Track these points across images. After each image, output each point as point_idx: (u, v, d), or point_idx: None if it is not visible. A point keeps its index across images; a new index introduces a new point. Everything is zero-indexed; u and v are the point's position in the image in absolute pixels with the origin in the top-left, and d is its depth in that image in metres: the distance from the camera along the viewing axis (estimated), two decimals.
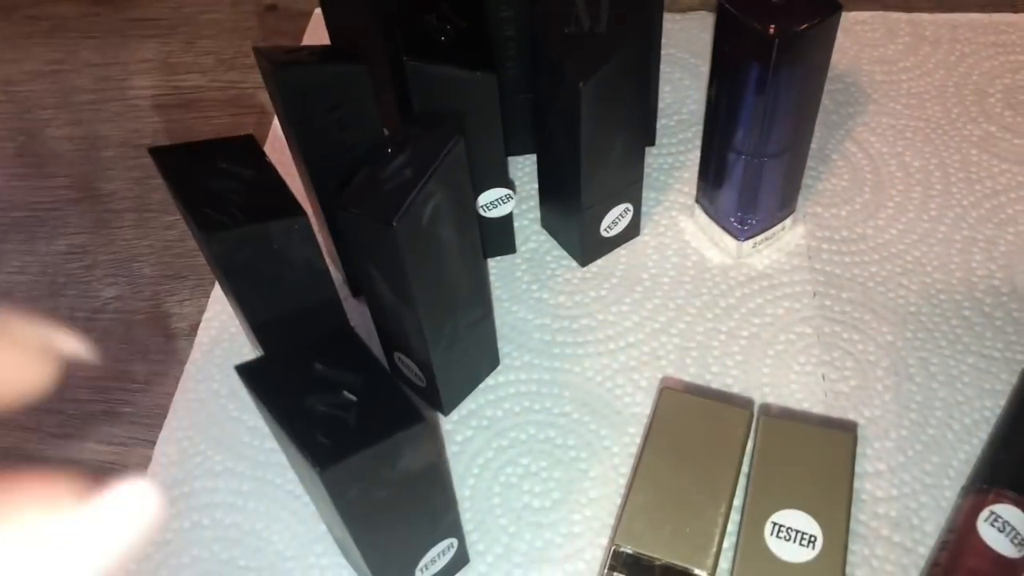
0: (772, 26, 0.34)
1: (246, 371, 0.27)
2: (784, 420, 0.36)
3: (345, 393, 0.26)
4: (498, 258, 0.47)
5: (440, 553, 0.34)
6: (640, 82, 0.39)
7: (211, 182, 0.32)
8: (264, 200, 0.33)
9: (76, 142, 0.55)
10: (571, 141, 0.39)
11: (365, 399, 0.27)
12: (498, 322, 0.44)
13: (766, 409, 0.39)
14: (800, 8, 0.34)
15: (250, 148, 0.34)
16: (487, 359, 0.42)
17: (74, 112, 0.57)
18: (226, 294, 0.36)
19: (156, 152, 0.33)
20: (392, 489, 0.28)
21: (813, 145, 0.50)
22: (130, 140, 0.55)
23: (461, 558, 0.36)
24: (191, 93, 0.57)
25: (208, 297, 0.46)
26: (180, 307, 0.46)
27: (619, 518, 0.34)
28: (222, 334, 0.45)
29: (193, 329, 0.45)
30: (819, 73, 0.38)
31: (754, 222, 0.43)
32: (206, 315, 0.45)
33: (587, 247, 0.45)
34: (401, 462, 0.28)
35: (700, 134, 0.51)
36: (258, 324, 0.35)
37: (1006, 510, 0.33)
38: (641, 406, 0.40)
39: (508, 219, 0.45)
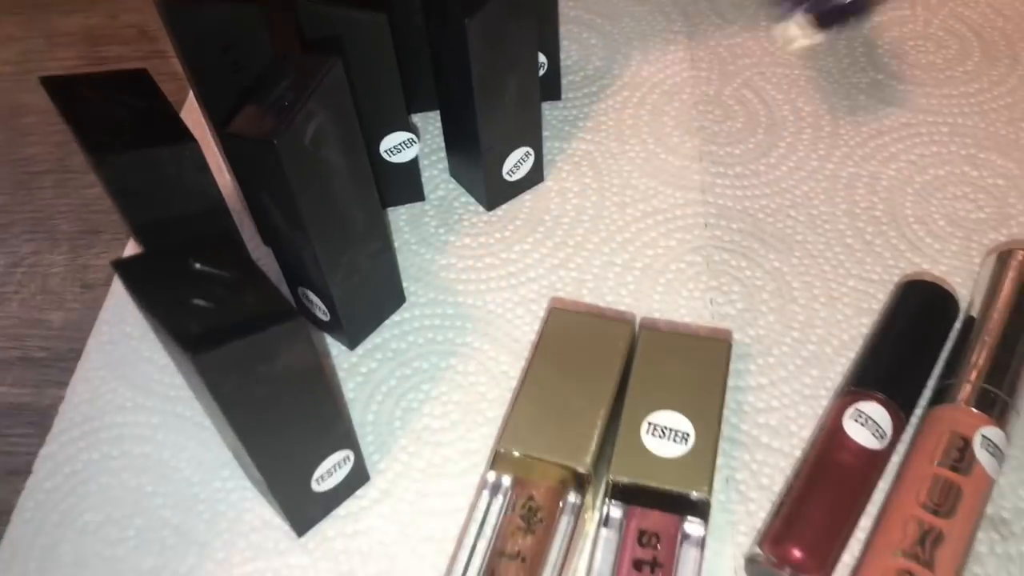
0: None
1: (123, 267, 0.28)
2: (663, 332, 0.38)
3: (221, 289, 0.28)
4: (407, 205, 0.48)
5: (336, 465, 0.35)
6: (529, 20, 0.41)
7: (105, 111, 0.34)
8: (156, 128, 0.34)
9: None
10: (464, 81, 0.41)
11: (242, 296, 0.28)
12: (405, 263, 0.45)
13: (650, 323, 0.41)
14: None
15: (145, 81, 0.35)
16: (392, 296, 0.43)
17: None
18: (124, 222, 0.37)
19: (48, 82, 0.34)
20: (273, 387, 0.30)
21: (710, 90, 0.52)
22: (51, 108, 0.56)
23: (359, 473, 0.37)
24: (113, 63, 0.58)
25: (123, 250, 0.47)
26: (97, 259, 0.47)
27: (503, 424, 0.36)
28: None
29: (108, 280, 0.46)
30: None
31: None
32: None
33: (491, 191, 0.47)
34: (279, 359, 0.29)
35: (605, 89, 0.53)
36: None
37: (869, 407, 0.35)
38: (537, 333, 0.42)
39: (414, 165, 0.47)
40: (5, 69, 0.59)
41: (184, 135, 0.34)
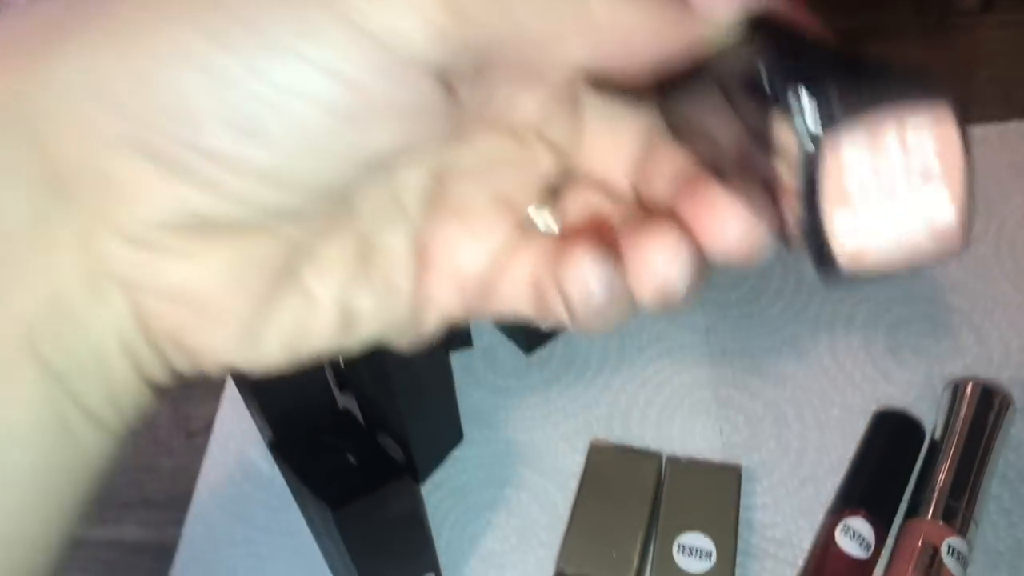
0: None
1: (275, 446, 0.37)
2: (684, 462, 0.47)
3: (349, 456, 0.36)
4: (458, 352, 0.57)
5: None
6: None
7: None
8: None
9: None
10: None
11: (362, 461, 0.37)
12: (460, 404, 0.54)
13: (672, 455, 0.49)
14: None
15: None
16: (453, 435, 0.52)
17: None
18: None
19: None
20: (385, 528, 0.38)
21: None
22: None
23: None
24: None
25: (220, 399, 0.56)
26: (196, 409, 0.56)
27: (561, 548, 0.44)
28: (233, 429, 0.54)
29: (209, 427, 0.55)
30: None
31: None
32: (219, 413, 0.55)
33: (529, 339, 0.56)
34: (391, 506, 0.37)
35: None
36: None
37: (855, 522, 0.44)
38: (579, 464, 0.50)
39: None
40: None
41: None
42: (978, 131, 0.67)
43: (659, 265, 0.20)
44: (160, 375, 0.20)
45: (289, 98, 0.17)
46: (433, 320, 0.23)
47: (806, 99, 0.16)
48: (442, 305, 0.23)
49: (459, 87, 0.19)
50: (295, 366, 0.22)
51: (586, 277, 0.20)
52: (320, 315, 0.21)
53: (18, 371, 0.18)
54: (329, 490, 0.35)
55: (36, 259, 0.18)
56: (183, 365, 0.20)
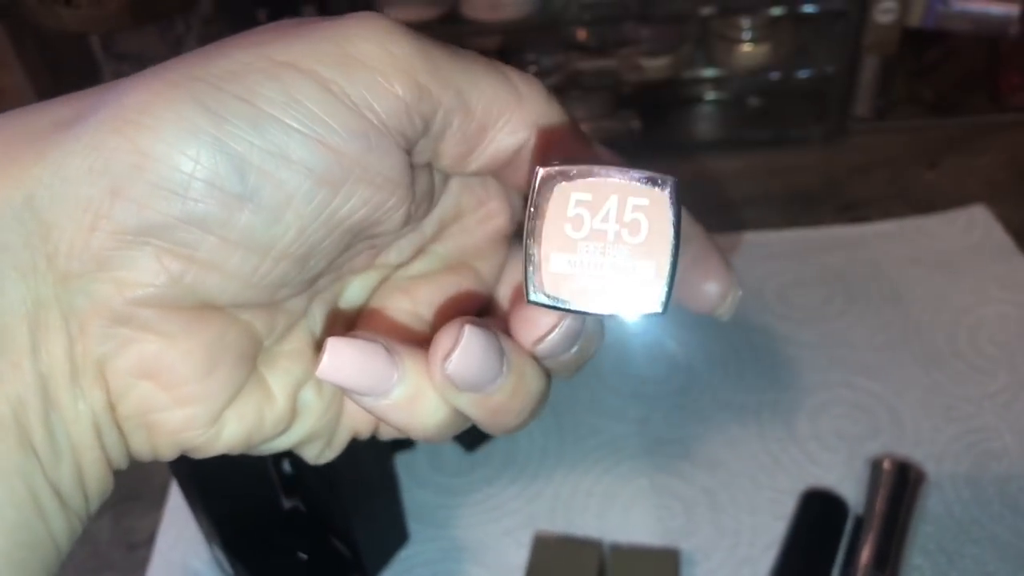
0: None
1: (229, 547, 0.37)
2: (625, 549, 0.48)
3: (300, 554, 0.37)
4: (403, 452, 0.58)
5: None
6: None
7: None
8: None
9: None
10: None
11: (313, 559, 0.38)
12: (406, 503, 0.55)
13: (614, 545, 0.51)
14: None
15: None
16: (398, 535, 0.52)
17: None
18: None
19: None
20: None
21: (640, 345, 0.64)
22: None
23: None
24: None
25: (162, 511, 0.56)
26: (139, 521, 0.55)
27: None
28: (176, 540, 0.54)
29: (151, 540, 0.54)
30: None
31: None
32: (162, 525, 0.55)
33: (471, 436, 0.57)
34: None
35: None
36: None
37: None
38: (524, 558, 0.51)
39: None
40: None
41: None
42: (880, 227, 0.73)
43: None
44: (121, 459, 0.22)
45: (278, 164, 0.20)
46: (347, 434, 0.25)
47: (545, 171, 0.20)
48: (357, 422, 0.25)
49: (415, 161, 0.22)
50: (245, 454, 0.23)
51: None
52: (275, 408, 0.23)
53: (3, 445, 0.19)
54: None
55: (28, 343, 0.19)
56: (143, 447, 0.22)
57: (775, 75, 0.83)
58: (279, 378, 0.23)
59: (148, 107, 0.19)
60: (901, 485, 0.49)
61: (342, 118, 0.20)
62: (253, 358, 0.22)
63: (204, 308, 0.21)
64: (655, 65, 0.83)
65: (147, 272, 0.20)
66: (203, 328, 0.21)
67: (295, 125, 0.20)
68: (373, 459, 0.47)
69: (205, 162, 0.19)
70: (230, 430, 0.22)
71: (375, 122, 0.20)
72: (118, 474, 0.22)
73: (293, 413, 0.24)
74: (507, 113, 0.22)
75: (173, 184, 0.19)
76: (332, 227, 0.21)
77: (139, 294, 0.20)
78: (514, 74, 0.23)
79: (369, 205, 0.21)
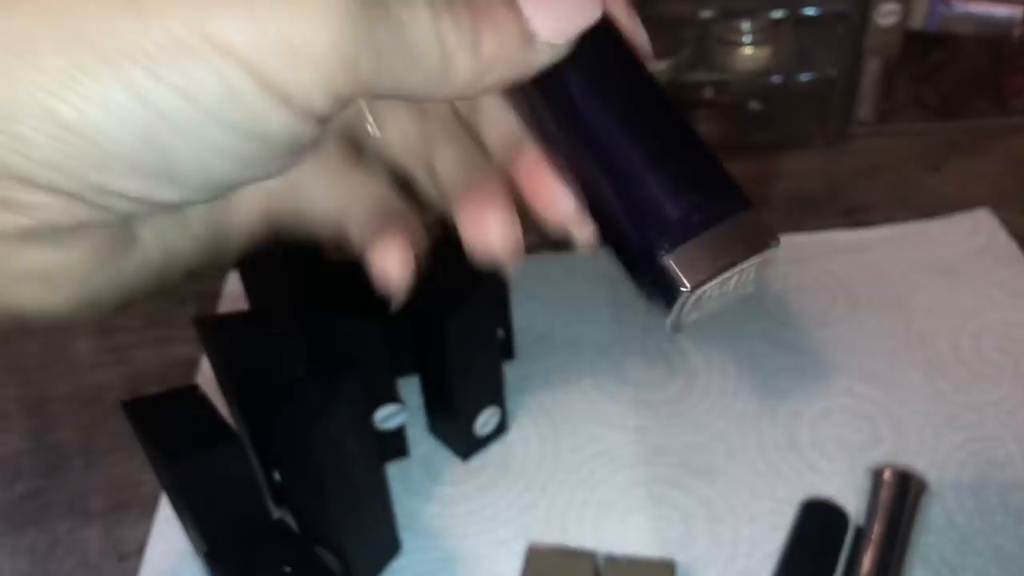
0: None
1: (212, 558, 0.36)
2: (620, 561, 0.47)
3: (285, 568, 0.36)
4: (394, 460, 0.57)
5: None
6: (492, 312, 0.53)
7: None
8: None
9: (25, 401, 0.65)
10: (440, 368, 0.52)
11: (298, 573, 0.37)
12: (396, 513, 0.54)
13: (609, 556, 0.50)
14: None
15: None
16: (390, 545, 0.51)
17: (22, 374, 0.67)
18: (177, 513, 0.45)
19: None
20: None
21: (635, 345, 0.63)
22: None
23: None
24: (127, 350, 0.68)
25: (152, 521, 0.55)
26: (129, 531, 0.55)
27: None
28: (166, 551, 0.53)
29: (140, 549, 0.53)
30: None
31: None
32: (152, 535, 0.54)
33: (467, 445, 0.56)
34: None
35: (548, 347, 0.64)
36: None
37: None
38: (517, 569, 0.50)
39: (401, 429, 0.56)
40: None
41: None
42: (883, 231, 0.72)
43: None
44: None
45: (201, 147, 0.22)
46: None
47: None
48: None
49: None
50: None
51: None
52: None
53: None
54: None
55: None
56: None
57: (776, 79, 0.82)
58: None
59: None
60: (902, 495, 0.48)
61: (276, 110, 0.22)
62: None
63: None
64: (655, 69, 0.82)
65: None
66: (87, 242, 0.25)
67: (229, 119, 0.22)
68: (364, 467, 0.46)
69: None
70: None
71: (304, 109, 0.22)
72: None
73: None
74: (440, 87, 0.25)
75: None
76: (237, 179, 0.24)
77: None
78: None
79: (274, 172, 0.24)
